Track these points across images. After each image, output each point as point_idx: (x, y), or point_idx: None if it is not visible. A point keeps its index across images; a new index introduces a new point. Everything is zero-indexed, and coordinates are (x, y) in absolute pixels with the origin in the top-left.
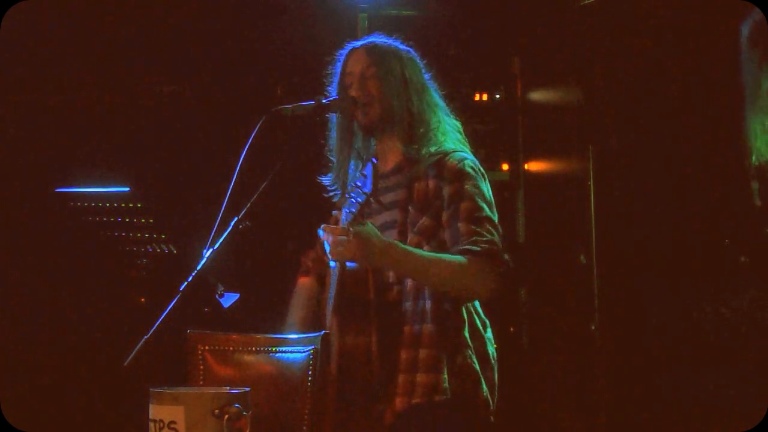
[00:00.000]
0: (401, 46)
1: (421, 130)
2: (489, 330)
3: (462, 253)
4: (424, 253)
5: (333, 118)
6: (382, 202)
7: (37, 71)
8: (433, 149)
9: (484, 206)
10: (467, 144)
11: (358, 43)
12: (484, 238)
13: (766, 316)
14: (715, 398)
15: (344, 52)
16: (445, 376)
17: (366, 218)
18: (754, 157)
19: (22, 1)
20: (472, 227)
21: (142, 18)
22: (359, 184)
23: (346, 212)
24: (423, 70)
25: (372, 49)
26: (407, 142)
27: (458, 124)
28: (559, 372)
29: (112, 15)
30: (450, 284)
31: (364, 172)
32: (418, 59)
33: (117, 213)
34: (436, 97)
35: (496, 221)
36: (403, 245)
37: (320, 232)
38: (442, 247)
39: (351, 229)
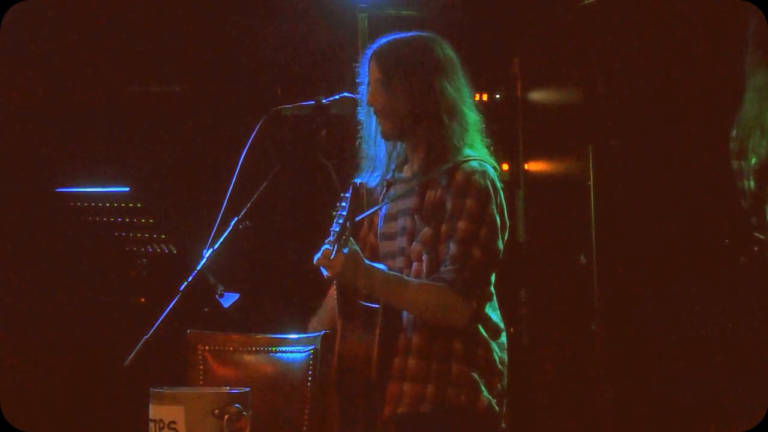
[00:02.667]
0: (418, 44)
1: (442, 135)
2: (503, 335)
3: (441, 281)
4: (406, 280)
5: (361, 116)
6: (382, 232)
7: (37, 71)
8: (450, 157)
9: (483, 228)
10: (485, 143)
11: (372, 49)
12: (467, 271)
13: (766, 316)
14: (715, 398)
15: (365, 57)
16: (434, 386)
17: (354, 231)
18: (753, 159)
19: (22, 1)
20: (463, 252)
21: (142, 18)
22: (342, 204)
23: (331, 231)
24: (443, 65)
25: (382, 57)
26: (429, 147)
27: (478, 119)
28: (560, 372)
29: (112, 15)
30: (421, 314)
31: (346, 195)
32: (438, 51)
33: (117, 213)
34: (455, 93)
35: (497, 243)
36: (385, 271)
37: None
38: (437, 260)
39: (336, 247)
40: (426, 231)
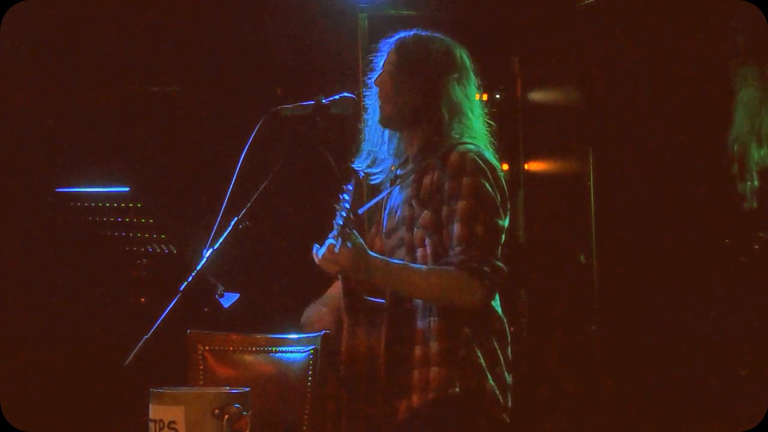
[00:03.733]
0: (439, 44)
1: (440, 132)
2: (507, 334)
3: (450, 264)
4: (413, 267)
5: (368, 101)
6: (361, 216)
7: (37, 71)
8: (446, 144)
9: (483, 205)
10: (487, 139)
11: (395, 37)
12: (475, 249)
13: (766, 316)
14: (715, 398)
15: (385, 44)
16: (457, 369)
17: (355, 227)
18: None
19: (22, 1)
20: (467, 231)
21: (142, 18)
22: (345, 197)
23: (335, 224)
24: (457, 67)
25: (398, 45)
26: (426, 142)
27: (484, 129)
28: (559, 372)
29: (112, 15)
30: (435, 299)
31: (348, 186)
32: (457, 54)
33: (117, 213)
34: (462, 96)
35: (498, 220)
36: (391, 261)
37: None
38: (442, 244)
39: (341, 241)
40: (425, 215)
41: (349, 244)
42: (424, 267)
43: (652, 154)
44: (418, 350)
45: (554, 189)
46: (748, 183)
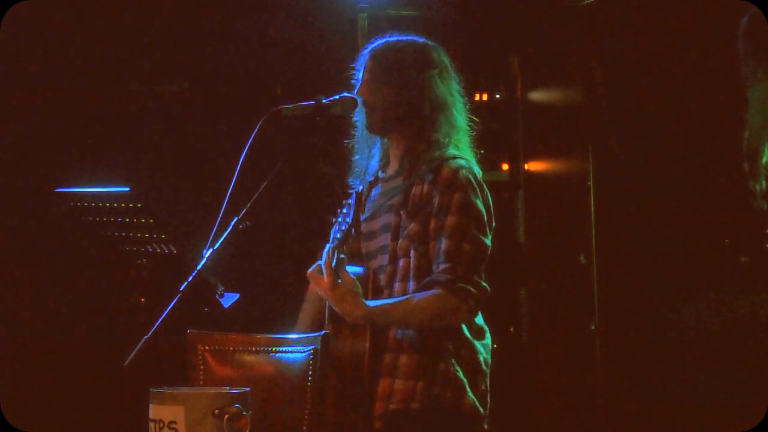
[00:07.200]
0: (412, 44)
1: (426, 132)
2: (487, 337)
3: (435, 284)
4: (404, 303)
5: (356, 117)
6: (362, 231)
7: (37, 71)
8: (435, 154)
9: (471, 223)
10: (472, 148)
11: (369, 46)
12: (460, 267)
13: (766, 316)
14: (715, 398)
15: (362, 54)
16: (423, 383)
17: (354, 239)
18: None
19: (22, 1)
20: (454, 248)
21: (142, 18)
22: (344, 211)
23: (332, 237)
24: (436, 65)
25: (376, 53)
26: (412, 145)
27: (467, 126)
28: (559, 372)
29: (112, 15)
30: (426, 325)
31: (349, 201)
32: (434, 54)
33: (117, 213)
34: (446, 92)
35: (485, 238)
36: (382, 302)
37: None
38: (426, 256)
39: (325, 271)
40: (413, 226)
41: (339, 281)
42: (412, 299)
43: (652, 154)
44: (387, 359)
45: (554, 189)
46: (759, 183)
